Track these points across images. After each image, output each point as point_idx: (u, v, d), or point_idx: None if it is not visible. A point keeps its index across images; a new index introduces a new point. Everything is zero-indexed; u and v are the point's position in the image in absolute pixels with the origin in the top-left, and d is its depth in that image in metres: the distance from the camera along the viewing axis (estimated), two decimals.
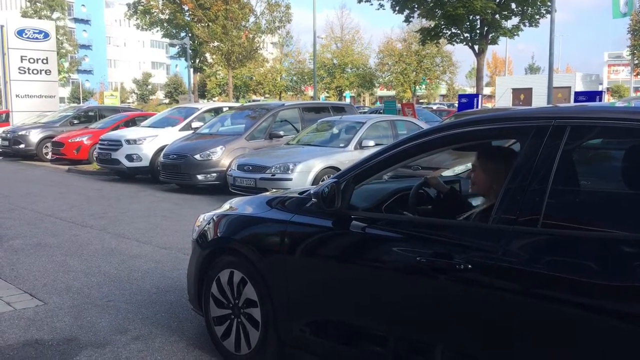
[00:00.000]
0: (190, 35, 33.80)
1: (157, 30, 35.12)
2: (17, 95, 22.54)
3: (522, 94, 36.30)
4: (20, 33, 22.57)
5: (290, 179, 9.06)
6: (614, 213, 2.36)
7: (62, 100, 42.44)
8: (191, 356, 3.67)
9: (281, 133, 11.57)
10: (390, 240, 2.85)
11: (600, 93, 16.62)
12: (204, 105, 16.15)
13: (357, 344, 2.93)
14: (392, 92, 59.85)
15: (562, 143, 2.37)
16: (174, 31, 34.76)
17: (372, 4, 24.96)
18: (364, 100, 62.61)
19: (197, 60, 36.65)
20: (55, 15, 46.05)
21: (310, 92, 52.13)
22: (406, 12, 25.11)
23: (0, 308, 4.53)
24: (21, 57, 22.47)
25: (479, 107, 17.80)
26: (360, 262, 2.88)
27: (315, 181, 9.14)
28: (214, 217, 3.75)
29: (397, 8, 24.83)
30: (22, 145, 17.94)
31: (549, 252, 2.29)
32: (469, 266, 2.39)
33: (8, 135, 18.51)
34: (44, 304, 4.64)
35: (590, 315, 2.11)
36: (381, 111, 19.87)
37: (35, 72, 22.89)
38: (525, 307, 2.26)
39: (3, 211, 8.96)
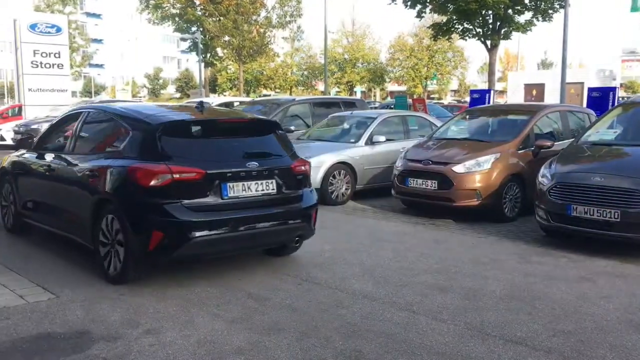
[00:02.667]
0: (201, 29, 33.84)
1: (169, 25, 35.20)
2: (29, 89, 22.70)
3: (535, 89, 35.97)
4: (33, 27, 22.71)
5: None
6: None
7: (74, 94, 42.65)
8: (202, 350, 3.68)
9: (292, 128, 11.53)
10: (43, 162, 6.28)
11: (614, 89, 16.40)
12: (214, 99, 16.18)
13: (40, 210, 6.36)
14: (403, 87, 59.60)
15: (79, 121, 6.05)
16: (185, 26, 34.82)
17: None
18: (374, 95, 62.38)
19: (208, 55, 36.71)
20: (68, 9, 46.24)
21: (321, 87, 52.02)
22: (418, 7, 24.96)
23: (13, 301, 4.57)
24: (34, 51, 22.63)
25: (491, 102, 17.68)
26: (36, 173, 6.37)
27: (325, 176, 9.12)
28: (9, 156, 7.23)
29: (409, 3, 24.70)
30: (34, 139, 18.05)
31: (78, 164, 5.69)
32: (52, 167, 5.95)
33: (21, 129, 18.65)
34: (57, 297, 4.68)
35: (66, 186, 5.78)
36: (392, 106, 19.74)
37: (47, 66, 23.03)
38: (55, 186, 5.98)
39: None
